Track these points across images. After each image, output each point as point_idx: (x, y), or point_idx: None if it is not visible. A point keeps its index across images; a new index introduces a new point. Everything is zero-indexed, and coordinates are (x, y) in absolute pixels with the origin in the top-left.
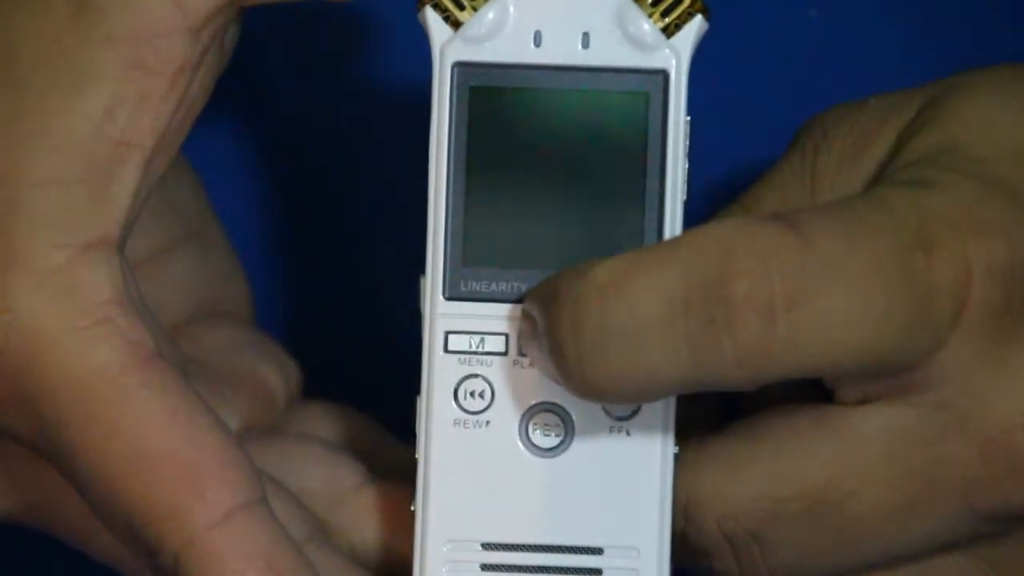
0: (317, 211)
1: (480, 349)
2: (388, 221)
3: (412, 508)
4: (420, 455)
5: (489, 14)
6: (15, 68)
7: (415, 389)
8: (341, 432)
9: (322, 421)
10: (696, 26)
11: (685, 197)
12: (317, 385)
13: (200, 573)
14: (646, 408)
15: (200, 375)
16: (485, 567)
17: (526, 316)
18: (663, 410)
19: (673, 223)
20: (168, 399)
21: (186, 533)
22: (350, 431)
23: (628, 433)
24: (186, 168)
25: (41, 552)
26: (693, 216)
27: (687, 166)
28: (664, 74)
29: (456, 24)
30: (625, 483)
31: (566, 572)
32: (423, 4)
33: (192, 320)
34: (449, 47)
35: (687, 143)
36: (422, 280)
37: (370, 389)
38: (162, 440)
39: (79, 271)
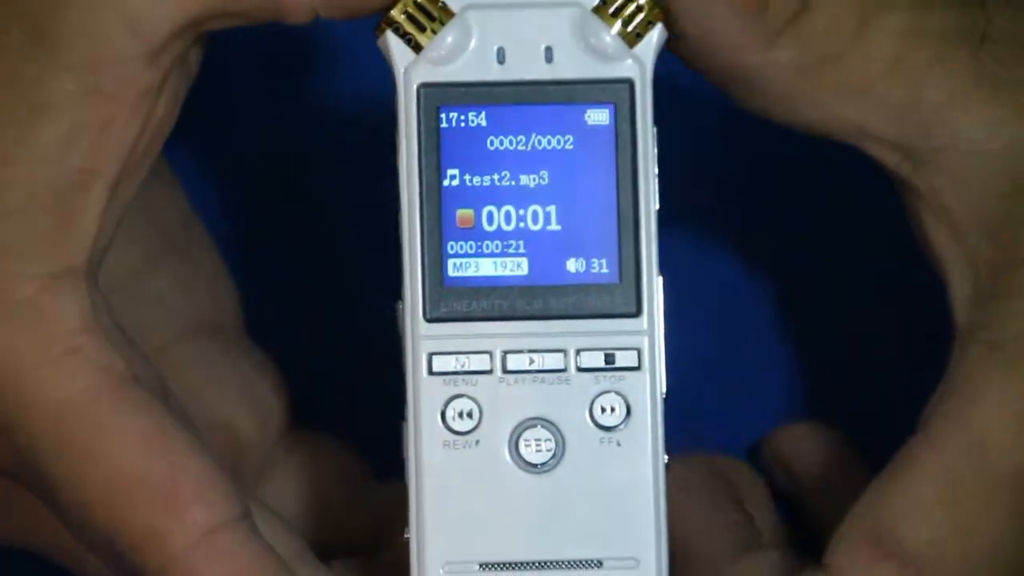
0: (303, 216)
1: (465, 368)
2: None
3: (406, 536)
4: (411, 479)
5: (451, 35)
6: None
7: (401, 412)
8: (311, 494)
9: (290, 484)
10: (657, 34)
11: (658, 206)
12: (305, 394)
13: None
14: (635, 417)
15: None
16: None
17: None
18: (651, 419)
19: (648, 232)
20: (143, 423)
21: (166, 555)
22: (321, 491)
23: (619, 444)
24: (164, 176)
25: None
26: (667, 222)
27: (657, 172)
28: (630, 83)
29: (418, 47)
30: (619, 494)
31: None
32: (383, 29)
33: (178, 339)
34: (413, 70)
35: (656, 151)
36: (399, 305)
37: (360, 395)
38: (138, 464)
39: (47, 301)
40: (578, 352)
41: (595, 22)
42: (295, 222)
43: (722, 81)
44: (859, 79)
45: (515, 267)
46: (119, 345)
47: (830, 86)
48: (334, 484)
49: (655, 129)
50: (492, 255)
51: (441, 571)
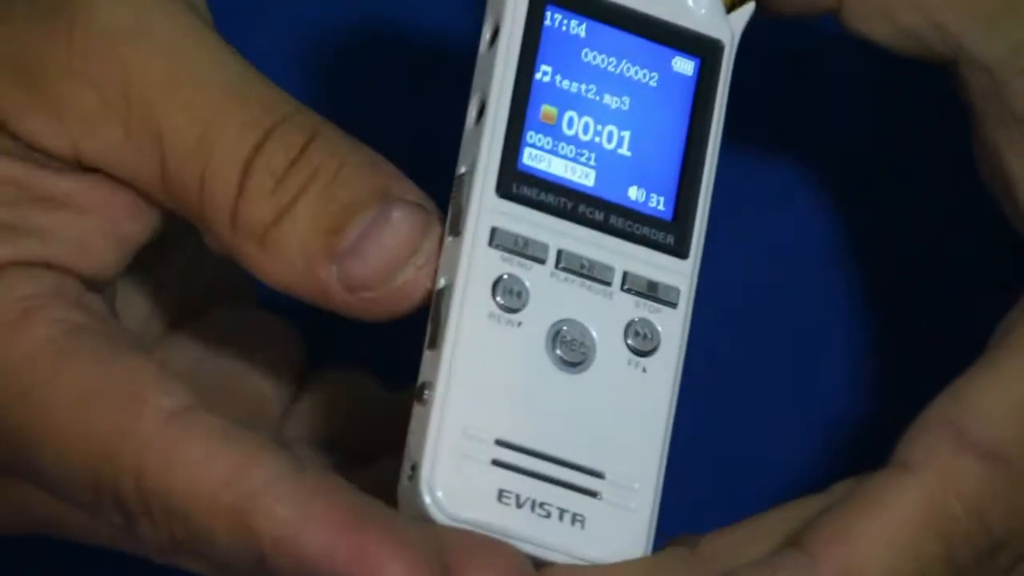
0: None
1: (523, 251)
2: None
3: (424, 398)
4: (447, 344)
5: None
6: None
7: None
8: (333, 425)
9: (310, 422)
10: (750, 10)
11: (716, 164)
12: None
13: (164, 468)
14: (663, 350)
15: (197, 385)
16: (495, 463)
17: None
18: (677, 357)
19: (708, 183)
20: (100, 346)
21: (140, 441)
22: (342, 419)
23: (644, 370)
24: None
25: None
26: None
27: (720, 141)
28: (719, 44)
29: None
30: (635, 418)
31: (567, 487)
32: None
33: (202, 302)
34: None
35: (725, 116)
36: (466, 177)
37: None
38: (99, 377)
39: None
40: (625, 273)
41: None
42: None
43: (830, 10)
44: None
45: (583, 176)
46: (83, 308)
47: None
48: (353, 409)
49: (728, 96)
50: (565, 157)
51: (459, 436)
